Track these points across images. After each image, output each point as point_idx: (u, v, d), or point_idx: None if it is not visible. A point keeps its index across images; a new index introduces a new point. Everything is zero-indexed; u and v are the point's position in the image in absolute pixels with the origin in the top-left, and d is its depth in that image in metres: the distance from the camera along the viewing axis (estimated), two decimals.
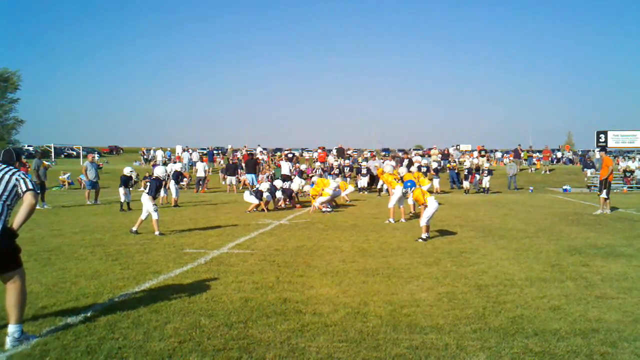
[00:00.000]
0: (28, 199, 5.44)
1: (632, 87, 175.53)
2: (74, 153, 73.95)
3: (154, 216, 12.94)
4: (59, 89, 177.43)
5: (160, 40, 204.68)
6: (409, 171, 19.16)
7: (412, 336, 5.57)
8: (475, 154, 47.77)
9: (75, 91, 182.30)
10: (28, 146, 73.57)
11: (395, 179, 16.96)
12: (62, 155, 72.54)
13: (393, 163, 26.85)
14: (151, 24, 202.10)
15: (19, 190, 5.48)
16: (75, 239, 12.20)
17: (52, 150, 64.79)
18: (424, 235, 12.04)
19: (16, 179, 5.49)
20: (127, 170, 20.79)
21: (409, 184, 13.27)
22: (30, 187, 5.49)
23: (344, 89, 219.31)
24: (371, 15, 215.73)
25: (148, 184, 13.53)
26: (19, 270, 5.51)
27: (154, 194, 13.15)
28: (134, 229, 13.03)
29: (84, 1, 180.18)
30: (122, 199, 19.80)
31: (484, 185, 31.66)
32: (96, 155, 51.91)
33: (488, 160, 46.53)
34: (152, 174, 15.13)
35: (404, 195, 14.08)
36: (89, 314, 6.27)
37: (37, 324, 5.95)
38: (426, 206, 12.32)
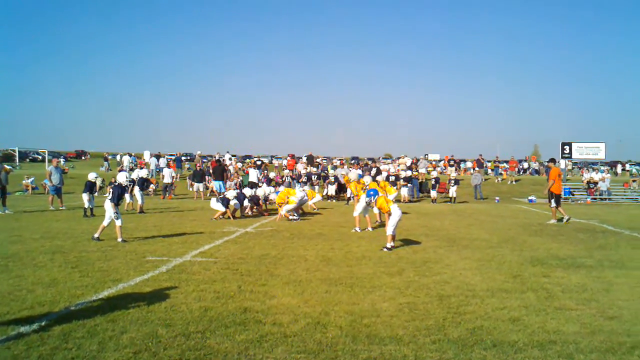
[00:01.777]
0: None
1: (597, 100, 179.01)
2: (39, 157, 72.80)
3: (117, 223, 12.76)
4: (24, 91, 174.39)
5: (130, 42, 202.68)
6: (375, 180, 19.23)
7: (370, 347, 5.55)
8: (441, 164, 48.18)
9: (41, 94, 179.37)
10: None
11: (361, 188, 17.02)
12: (27, 160, 71.42)
13: (359, 171, 26.97)
14: (122, 24, 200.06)
15: None
16: (34, 246, 11.96)
17: (17, 154, 63.66)
18: (389, 245, 12.06)
19: None
20: (92, 176, 20.44)
21: (371, 192, 13.31)
22: None
23: (315, 97, 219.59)
24: (336, 20, 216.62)
25: (111, 190, 13.33)
26: None
27: (116, 200, 12.97)
28: (96, 235, 12.83)
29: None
30: (86, 204, 19.51)
31: (450, 195, 31.89)
32: (62, 160, 51.15)
33: (456, 170, 46.97)
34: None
35: (368, 204, 14.02)
36: (43, 323, 6.13)
37: None
38: (390, 214, 12.37)
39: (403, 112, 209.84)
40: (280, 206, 19.15)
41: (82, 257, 10.56)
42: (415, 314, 6.86)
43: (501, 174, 45.56)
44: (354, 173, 19.76)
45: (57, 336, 5.69)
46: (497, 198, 34.44)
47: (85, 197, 19.55)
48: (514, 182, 42.19)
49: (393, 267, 10.07)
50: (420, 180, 36.79)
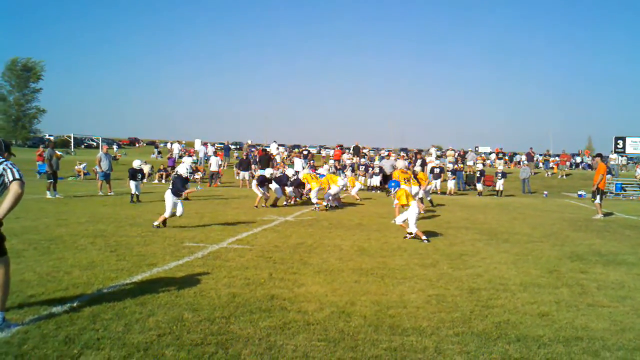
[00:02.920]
0: (14, 188, 5.46)
1: None
2: (94, 144, 74.74)
3: (178, 212, 13.16)
4: (82, 79, 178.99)
5: (184, 34, 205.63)
6: (412, 171, 19.10)
7: (392, 337, 5.54)
8: (492, 156, 47.44)
9: (97, 82, 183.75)
10: (49, 136, 74.43)
11: (405, 179, 16.90)
12: (82, 146, 73.36)
13: (406, 162, 26.80)
14: (174, 17, 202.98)
15: (6, 180, 5.51)
16: (78, 229, 12.30)
17: (72, 140, 65.49)
18: (423, 238, 11.94)
19: (3, 169, 5.53)
20: (136, 164, 20.93)
21: (392, 183, 13.19)
22: (17, 176, 5.51)
23: (366, 87, 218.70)
24: (390, 16, 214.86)
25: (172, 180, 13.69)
26: (2, 259, 5.55)
27: (177, 191, 13.27)
28: (156, 223, 13.00)
29: None
30: (133, 190, 19.95)
31: (497, 188, 31.41)
32: (115, 147, 52.36)
33: (505, 162, 46.23)
34: (166, 167, 15.30)
35: (388, 194, 13.76)
36: (74, 304, 6.31)
37: (21, 312, 6.00)
38: (403, 208, 12.33)
39: (455, 104, 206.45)
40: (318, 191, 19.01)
41: (122, 242, 10.82)
42: (443, 306, 6.81)
43: (552, 167, 44.55)
44: (400, 162, 19.68)
45: (86, 317, 5.86)
46: (545, 192, 33.74)
47: (131, 184, 19.99)
48: (564, 177, 41.27)
49: (427, 259, 10.00)
50: (466, 173, 36.34)
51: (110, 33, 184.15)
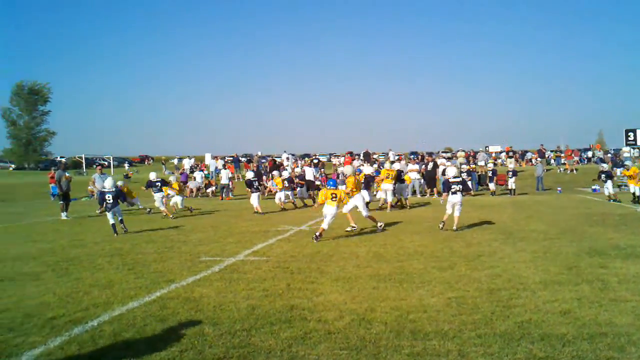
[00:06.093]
0: None
1: None
2: (105, 163, 75.07)
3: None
4: (90, 100, 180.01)
5: (189, 51, 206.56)
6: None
7: (414, 342, 5.52)
8: (502, 155, 47.26)
9: (106, 102, 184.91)
10: (60, 157, 74.94)
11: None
12: (94, 166, 73.58)
13: (416, 166, 26.77)
14: (177, 34, 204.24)
15: None
16: (95, 249, 12.36)
17: (84, 160, 65.86)
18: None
19: None
20: (152, 176, 21.52)
21: (330, 182, 14.20)
22: None
23: (374, 93, 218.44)
24: (403, 19, 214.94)
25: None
26: None
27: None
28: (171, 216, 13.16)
29: (112, 12, 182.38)
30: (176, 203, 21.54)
31: (509, 187, 31.24)
32: (126, 165, 52.65)
33: (516, 161, 46.01)
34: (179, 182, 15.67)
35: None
36: (95, 324, 6.34)
37: (44, 334, 6.03)
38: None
39: (462, 105, 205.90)
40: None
41: (139, 259, 10.85)
42: (463, 308, 6.77)
43: (564, 164, 44.31)
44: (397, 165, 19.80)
45: (107, 337, 5.88)
46: (559, 188, 33.53)
47: (158, 196, 20.79)
48: (574, 172, 41.04)
49: (445, 261, 9.97)
50: (478, 173, 36.19)
51: (113, 53, 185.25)
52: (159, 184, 20.70)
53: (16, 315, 6.81)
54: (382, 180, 21.75)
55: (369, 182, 21.80)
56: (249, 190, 21.21)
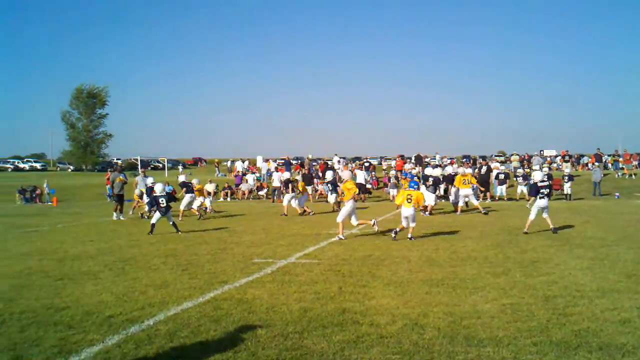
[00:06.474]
0: None
1: None
2: (160, 165, 76.67)
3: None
4: (147, 102, 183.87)
5: (241, 55, 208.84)
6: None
7: (468, 349, 5.44)
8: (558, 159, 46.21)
9: (162, 105, 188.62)
10: (117, 159, 76.78)
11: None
12: (149, 168, 75.29)
13: (470, 170, 26.43)
14: (234, 34, 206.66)
15: None
16: (150, 250, 12.62)
17: (139, 162, 67.29)
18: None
19: None
20: (180, 179, 22.35)
21: (412, 184, 14.89)
22: None
23: (427, 95, 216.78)
24: (446, 23, 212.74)
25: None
26: None
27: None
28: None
29: (169, 17, 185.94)
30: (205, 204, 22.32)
31: (565, 192, 30.56)
32: (180, 167, 53.60)
33: (573, 165, 44.92)
34: (231, 185, 15.90)
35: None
36: (151, 323, 6.47)
37: (102, 332, 6.17)
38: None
39: (517, 107, 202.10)
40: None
41: (193, 260, 11.03)
42: (518, 315, 6.64)
43: (622, 168, 43.01)
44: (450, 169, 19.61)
45: (163, 336, 5.98)
46: (617, 194, 32.61)
47: (187, 197, 21.25)
48: (633, 177, 39.81)
49: (499, 267, 9.80)
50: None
51: (169, 56, 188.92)
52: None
53: (76, 313, 6.99)
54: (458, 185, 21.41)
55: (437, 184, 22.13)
56: (284, 190, 21.56)
